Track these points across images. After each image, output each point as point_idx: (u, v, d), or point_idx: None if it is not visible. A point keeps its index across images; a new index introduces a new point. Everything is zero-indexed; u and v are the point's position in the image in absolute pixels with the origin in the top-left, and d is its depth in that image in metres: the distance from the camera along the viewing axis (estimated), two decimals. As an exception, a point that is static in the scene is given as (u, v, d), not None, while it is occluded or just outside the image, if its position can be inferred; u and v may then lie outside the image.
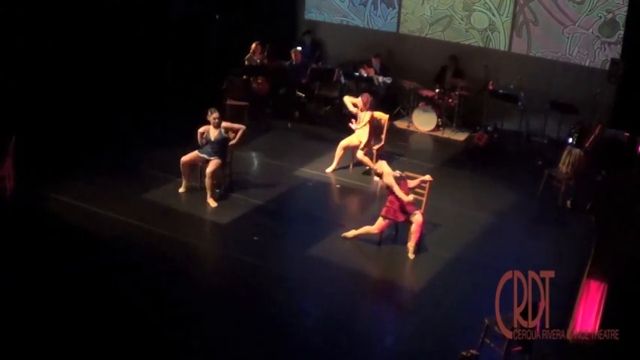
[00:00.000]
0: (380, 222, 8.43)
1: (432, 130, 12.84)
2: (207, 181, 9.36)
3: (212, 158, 9.37)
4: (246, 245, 8.53)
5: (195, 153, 9.50)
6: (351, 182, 10.59)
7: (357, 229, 8.59)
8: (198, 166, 9.67)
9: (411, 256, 8.41)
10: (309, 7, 14.92)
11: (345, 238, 8.63)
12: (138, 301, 7.26)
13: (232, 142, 9.57)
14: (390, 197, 8.38)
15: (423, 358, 6.82)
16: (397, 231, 8.70)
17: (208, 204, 9.37)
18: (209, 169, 9.32)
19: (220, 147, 9.43)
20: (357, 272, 8.18)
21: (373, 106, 10.80)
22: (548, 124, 12.46)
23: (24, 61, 10.99)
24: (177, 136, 10.92)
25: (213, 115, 9.34)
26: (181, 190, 9.65)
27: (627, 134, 10.82)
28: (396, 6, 14.03)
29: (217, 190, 9.55)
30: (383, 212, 8.43)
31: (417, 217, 8.33)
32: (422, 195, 8.77)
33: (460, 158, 11.91)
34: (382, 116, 10.87)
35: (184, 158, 9.51)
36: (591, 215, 8.92)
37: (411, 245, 8.40)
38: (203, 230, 9.24)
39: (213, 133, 9.38)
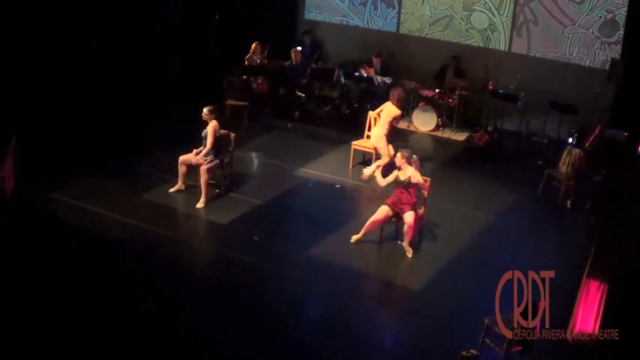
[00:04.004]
0: (384, 210, 8.43)
1: (432, 130, 12.83)
2: (201, 179, 9.31)
3: (207, 159, 9.39)
4: (246, 245, 8.53)
5: (192, 154, 9.51)
6: (351, 182, 10.60)
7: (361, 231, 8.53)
8: (193, 167, 9.59)
9: (408, 254, 8.44)
10: (309, 7, 14.90)
11: (356, 241, 8.55)
12: (137, 301, 7.25)
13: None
14: (398, 190, 8.40)
15: (423, 358, 6.83)
16: (397, 230, 8.70)
17: (199, 203, 9.30)
18: (203, 166, 9.30)
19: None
20: (357, 272, 8.18)
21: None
22: (548, 124, 12.45)
23: (24, 61, 10.99)
24: (177, 136, 10.92)
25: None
26: (171, 190, 9.59)
27: (627, 134, 10.83)
28: (396, 6, 14.03)
29: (217, 190, 9.53)
30: (389, 201, 8.45)
31: (407, 217, 8.35)
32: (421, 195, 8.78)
33: (460, 158, 11.91)
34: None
35: (182, 158, 9.52)
36: (591, 215, 8.93)
37: (405, 244, 8.46)
38: (203, 230, 9.25)
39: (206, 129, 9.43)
